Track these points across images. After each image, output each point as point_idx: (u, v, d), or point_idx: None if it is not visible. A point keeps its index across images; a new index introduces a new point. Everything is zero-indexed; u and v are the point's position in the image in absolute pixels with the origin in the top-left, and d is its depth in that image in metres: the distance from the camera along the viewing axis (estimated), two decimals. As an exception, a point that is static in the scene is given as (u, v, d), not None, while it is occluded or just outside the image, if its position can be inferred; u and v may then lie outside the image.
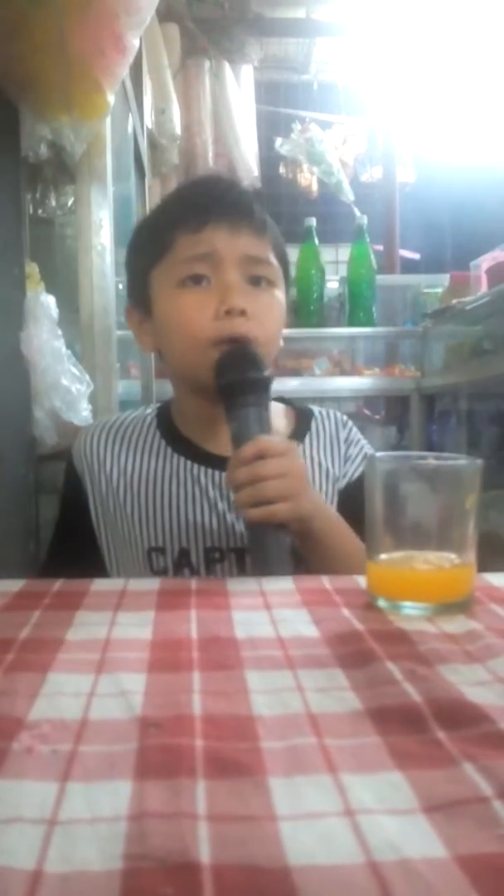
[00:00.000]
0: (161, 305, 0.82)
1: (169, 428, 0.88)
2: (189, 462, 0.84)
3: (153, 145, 2.89)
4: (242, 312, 0.77)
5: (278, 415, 0.89)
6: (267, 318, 0.80)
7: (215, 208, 0.80)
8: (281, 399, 0.93)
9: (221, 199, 0.81)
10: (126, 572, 0.85)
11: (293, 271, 3.59)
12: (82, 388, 1.45)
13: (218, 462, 0.82)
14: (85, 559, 0.87)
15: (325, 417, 0.92)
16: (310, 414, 0.91)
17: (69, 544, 0.91)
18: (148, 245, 0.84)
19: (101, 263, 1.59)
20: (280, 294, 0.83)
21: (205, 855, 0.26)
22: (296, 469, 0.71)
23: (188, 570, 0.82)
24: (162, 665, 0.43)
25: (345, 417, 0.94)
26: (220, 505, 0.82)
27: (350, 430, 0.92)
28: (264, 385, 0.75)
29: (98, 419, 0.93)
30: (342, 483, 0.88)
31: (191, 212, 0.80)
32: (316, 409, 0.93)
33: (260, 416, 0.74)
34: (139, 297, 0.86)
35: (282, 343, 0.86)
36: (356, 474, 0.87)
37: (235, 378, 0.74)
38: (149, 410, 0.91)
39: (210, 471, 0.83)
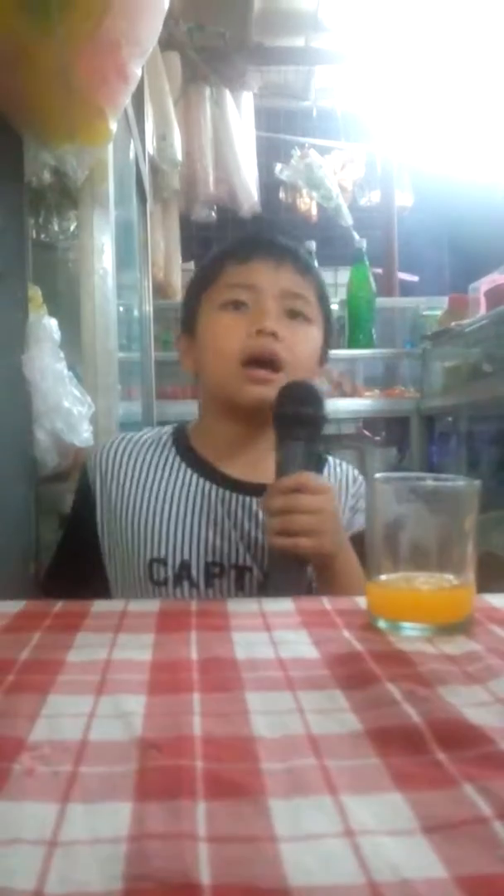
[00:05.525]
0: (202, 325, 0.88)
1: (184, 446, 0.91)
2: (200, 478, 0.87)
3: (154, 171, 2.92)
4: (273, 334, 0.82)
5: None
6: (298, 345, 0.84)
7: (263, 245, 0.88)
8: None
9: (269, 237, 0.89)
10: (127, 585, 0.86)
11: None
12: (83, 409, 1.46)
13: (229, 483, 0.85)
14: (86, 570, 0.89)
15: (336, 465, 0.94)
16: (323, 461, 0.93)
17: (72, 554, 0.93)
18: (200, 275, 0.92)
19: (103, 287, 1.60)
20: (316, 331, 0.88)
21: (205, 876, 0.26)
22: (329, 509, 0.74)
23: (188, 583, 0.83)
24: (162, 686, 0.43)
25: (356, 472, 0.96)
26: (225, 522, 0.84)
27: (360, 485, 0.93)
28: (318, 423, 0.77)
29: (115, 435, 0.99)
30: (347, 533, 0.88)
31: (240, 245, 0.89)
32: (331, 458, 0.95)
33: (307, 451, 0.76)
34: (188, 321, 0.92)
35: (318, 380, 0.90)
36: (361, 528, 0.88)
37: (292, 410, 0.76)
38: (165, 430, 0.95)
39: (219, 489, 0.85)
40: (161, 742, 0.36)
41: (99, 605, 0.62)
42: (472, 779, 0.32)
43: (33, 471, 1.45)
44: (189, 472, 0.87)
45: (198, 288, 0.90)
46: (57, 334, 1.46)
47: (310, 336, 0.87)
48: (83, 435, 1.44)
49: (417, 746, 0.35)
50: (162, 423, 0.97)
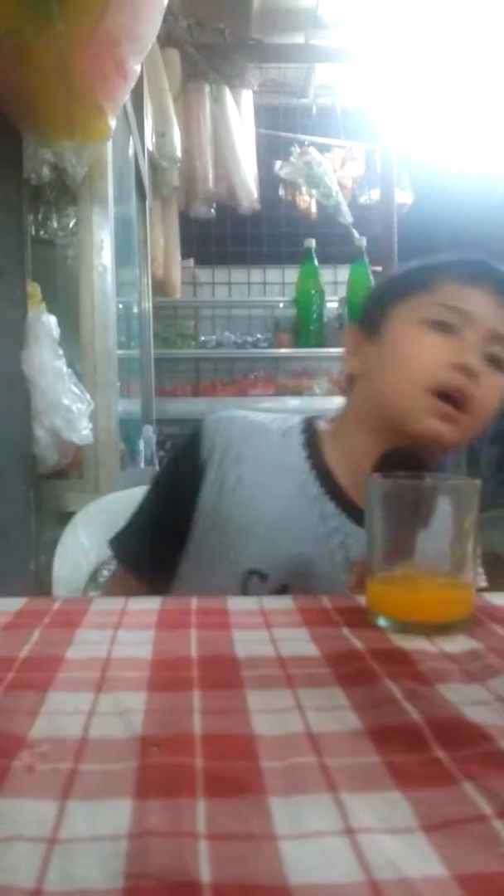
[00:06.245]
0: (398, 336, 0.79)
1: (317, 453, 0.83)
2: (326, 497, 0.79)
3: (154, 168, 2.92)
4: (476, 375, 0.75)
5: None
6: (490, 395, 0.77)
7: (493, 274, 0.79)
8: None
9: (500, 268, 0.80)
10: (211, 585, 0.78)
11: (293, 293, 3.61)
12: (83, 406, 1.46)
13: (356, 513, 0.77)
14: (162, 552, 0.82)
15: None
16: None
17: (152, 531, 0.86)
18: (407, 278, 0.83)
19: (102, 284, 1.60)
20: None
21: (205, 873, 0.26)
22: None
23: None
24: (162, 684, 0.43)
25: None
26: (337, 554, 0.78)
27: None
28: None
29: (235, 411, 0.86)
30: None
31: (466, 265, 0.80)
32: None
33: None
34: (373, 321, 0.83)
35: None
36: None
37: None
38: (294, 423, 0.86)
39: (342, 516, 0.79)
40: (161, 739, 0.36)
41: (99, 603, 0.62)
42: (471, 777, 0.32)
43: (33, 468, 1.46)
44: (316, 486, 0.80)
45: (399, 291, 0.81)
46: (56, 331, 1.46)
47: (501, 387, 0.78)
48: (82, 432, 1.44)
49: (417, 745, 0.35)
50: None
